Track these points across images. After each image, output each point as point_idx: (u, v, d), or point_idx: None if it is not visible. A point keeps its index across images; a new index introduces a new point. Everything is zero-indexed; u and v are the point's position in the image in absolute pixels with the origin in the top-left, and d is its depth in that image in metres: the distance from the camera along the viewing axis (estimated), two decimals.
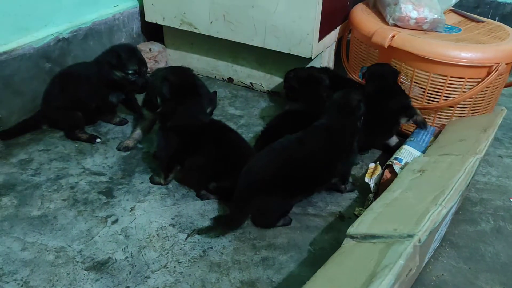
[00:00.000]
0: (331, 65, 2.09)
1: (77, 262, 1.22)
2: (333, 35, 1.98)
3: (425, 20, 1.71)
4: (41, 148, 1.65)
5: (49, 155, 1.62)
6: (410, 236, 0.99)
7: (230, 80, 2.19)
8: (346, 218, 1.43)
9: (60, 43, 1.80)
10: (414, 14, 1.71)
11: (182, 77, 1.51)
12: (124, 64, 1.59)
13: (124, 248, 1.27)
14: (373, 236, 1.05)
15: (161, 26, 2.14)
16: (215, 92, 1.97)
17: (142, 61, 1.64)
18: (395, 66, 1.69)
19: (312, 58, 1.84)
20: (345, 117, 1.39)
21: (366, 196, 1.49)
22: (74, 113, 1.67)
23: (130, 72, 1.60)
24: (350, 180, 1.53)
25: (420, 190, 1.20)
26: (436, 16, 1.71)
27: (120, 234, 1.32)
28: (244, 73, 2.13)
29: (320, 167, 1.37)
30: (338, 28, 2.01)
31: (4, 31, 1.61)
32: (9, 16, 1.62)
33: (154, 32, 2.23)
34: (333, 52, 2.08)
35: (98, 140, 1.70)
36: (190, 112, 1.45)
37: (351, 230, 1.10)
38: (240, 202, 1.32)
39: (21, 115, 1.72)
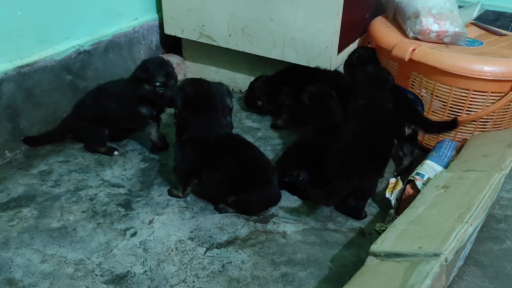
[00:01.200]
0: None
1: (96, 275, 1.21)
2: (352, 48, 1.97)
3: (447, 33, 1.69)
4: (61, 159, 1.66)
5: (69, 166, 1.63)
6: (436, 255, 0.97)
7: None
8: (367, 234, 1.41)
9: (81, 56, 1.82)
10: (435, 27, 1.69)
11: (197, 88, 1.49)
12: (152, 76, 1.58)
13: (143, 262, 1.26)
14: (397, 254, 1.03)
15: (179, 38, 2.15)
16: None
17: (170, 73, 1.61)
18: (415, 80, 1.68)
19: (331, 71, 1.83)
20: (377, 87, 1.52)
21: (387, 212, 1.46)
22: (101, 130, 1.68)
23: (157, 84, 1.58)
24: None
25: (445, 207, 1.17)
26: (457, 29, 1.69)
27: (138, 247, 1.31)
28: None
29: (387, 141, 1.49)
30: (357, 41, 2.00)
31: (27, 43, 1.64)
32: (33, 29, 1.64)
33: (172, 44, 2.25)
34: None
35: (116, 152, 1.71)
36: (204, 125, 1.44)
37: (374, 247, 1.08)
38: (340, 182, 1.37)
39: (42, 127, 1.74)
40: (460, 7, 1.83)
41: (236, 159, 1.42)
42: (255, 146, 1.52)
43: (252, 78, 2.12)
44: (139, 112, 1.65)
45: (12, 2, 1.55)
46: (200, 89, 1.49)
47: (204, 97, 1.47)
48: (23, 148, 1.69)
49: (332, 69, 1.82)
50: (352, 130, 1.46)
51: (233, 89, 2.21)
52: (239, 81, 2.18)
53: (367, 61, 1.69)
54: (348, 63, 1.78)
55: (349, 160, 1.39)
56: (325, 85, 1.69)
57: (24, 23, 1.61)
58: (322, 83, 1.70)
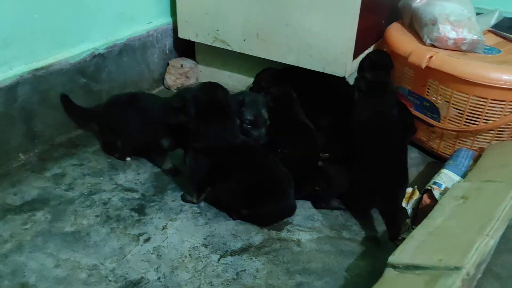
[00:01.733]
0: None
1: (110, 281, 1.21)
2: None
3: (464, 41, 1.67)
4: (74, 162, 1.66)
5: (83, 170, 1.63)
6: (458, 268, 0.95)
7: None
8: (382, 243, 1.39)
9: (95, 59, 1.83)
10: (452, 35, 1.67)
11: (211, 95, 1.44)
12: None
13: (157, 268, 1.25)
14: (416, 267, 1.01)
15: (192, 42, 2.15)
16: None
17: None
18: (431, 87, 1.66)
19: (346, 77, 1.81)
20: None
21: (403, 222, 1.44)
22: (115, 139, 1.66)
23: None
24: None
25: (465, 218, 1.15)
26: (475, 37, 1.67)
27: (152, 253, 1.30)
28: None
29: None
30: (372, 47, 1.98)
31: (43, 46, 1.64)
32: (48, 31, 1.64)
33: (185, 48, 2.25)
34: None
35: (128, 158, 1.69)
36: (217, 134, 1.42)
37: (392, 259, 1.06)
38: (394, 202, 1.36)
39: (56, 130, 1.74)
40: (477, 14, 1.81)
41: (250, 170, 1.40)
42: (272, 155, 1.48)
43: None
44: (160, 142, 1.58)
45: (29, 5, 1.55)
46: (214, 96, 1.45)
47: (217, 105, 1.43)
48: (36, 151, 1.69)
49: (347, 76, 1.80)
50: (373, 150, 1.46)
51: None
52: None
53: (382, 67, 1.66)
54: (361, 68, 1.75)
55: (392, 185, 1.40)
56: (288, 86, 1.70)
57: (40, 26, 1.61)
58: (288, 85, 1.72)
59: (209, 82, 1.54)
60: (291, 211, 1.45)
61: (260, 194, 1.38)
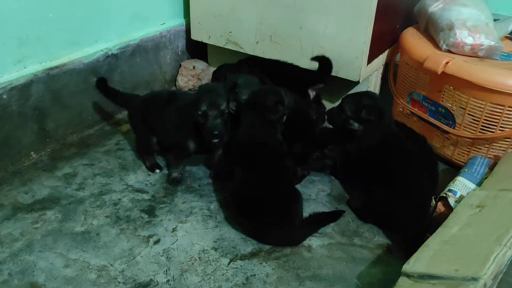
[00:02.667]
0: (377, 89, 2.04)
1: (119, 282, 1.20)
2: (381, 58, 1.93)
3: (481, 47, 1.64)
4: (85, 162, 1.66)
5: (93, 170, 1.62)
6: (475, 279, 0.93)
7: None
8: (395, 251, 1.36)
9: (108, 59, 1.83)
10: (469, 40, 1.64)
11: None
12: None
13: (166, 271, 1.24)
14: (431, 276, 0.99)
15: (205, 44, 2.14)
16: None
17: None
18: (446, 93, 1.63)
19: (360, 81, 1.79)
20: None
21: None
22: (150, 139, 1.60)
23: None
24: None
25: (481, 227, 1.13)
26: (493, 43, 1.64)
27: (162, 255, 1.29)
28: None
29: None
30: (386, 52, 1.96)
31: (57, 46, 1.64)
32: (63, 31, 1.65)
33: (198, 50, 2.24)
34: (380, 76, 2.03)
35: (157, 171, 1.63)
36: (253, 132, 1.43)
37: (407, 267, 1.04)
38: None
39: (68, 129, 1.75)
40: (494, 20, 1.78)
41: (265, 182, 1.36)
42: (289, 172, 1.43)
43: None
44: (186, 143, 1.51)
45: (44, 4, 1.56)
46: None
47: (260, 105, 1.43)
48: (48, 150, 1.70)
49: (361, 80, 1.78)
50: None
51: None
52: None
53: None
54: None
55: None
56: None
57: (55, 25, 1.61)
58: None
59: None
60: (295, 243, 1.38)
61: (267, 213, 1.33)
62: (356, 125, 1.48)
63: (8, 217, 1.38)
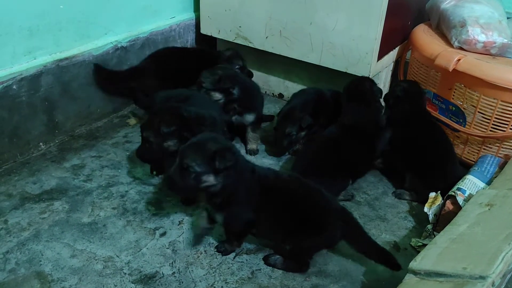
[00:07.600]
0: (387, 86, 2.02)
1: (125, 273, 1.20)
2: (392, 55, 1.91)
3: (494, 45, 1.62)
4: (93, 154, 1.67)
5: (101, 161, 1.63)
6: (483, 277, 0.92)
7: (281, 96, 2.16)
8: (402, 249, 1.35)
9: (118, 52, 1.83)
10: (482, 38, 1.62)
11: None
12: None
13: (172, 263, 1.24)
14: (439, 274, 0.98)
15: (214, 38, 2.14)
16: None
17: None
18: (457, 90, 1.62)
19: (371, 76, 1.78)
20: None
21: (423, 227, 1.40)
22: None
23: None
24: None
25: (490, 226, 1.11)
26: (506, 40, 1.62)
27: (168, 248, 1.29)
28: (295, 90, 2.07)
29: None
30: (397, 48, 1.94)
31: (67, 37, 1.65)
32: (73, 23, 1.65)
33: (207, 44, 2.23)
34: (390, 73, 2.01)
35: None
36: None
37: (414, 264, 1.03)
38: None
39: (76, 121, 1.75)
40: (508, 18, 1.75)
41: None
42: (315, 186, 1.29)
43: (287, 82, 2.10)
44: None
45: None
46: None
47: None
48: (57, 141, 1.70)
49: (371, 76, 1.76)
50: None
51: (266, 92, 2.18)
52: (272, 84, 2.15)
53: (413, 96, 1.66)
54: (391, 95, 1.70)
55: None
56: None
57: (65, 17, 1.62)
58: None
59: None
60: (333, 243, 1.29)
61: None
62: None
63: (16, 206, 1.39)
